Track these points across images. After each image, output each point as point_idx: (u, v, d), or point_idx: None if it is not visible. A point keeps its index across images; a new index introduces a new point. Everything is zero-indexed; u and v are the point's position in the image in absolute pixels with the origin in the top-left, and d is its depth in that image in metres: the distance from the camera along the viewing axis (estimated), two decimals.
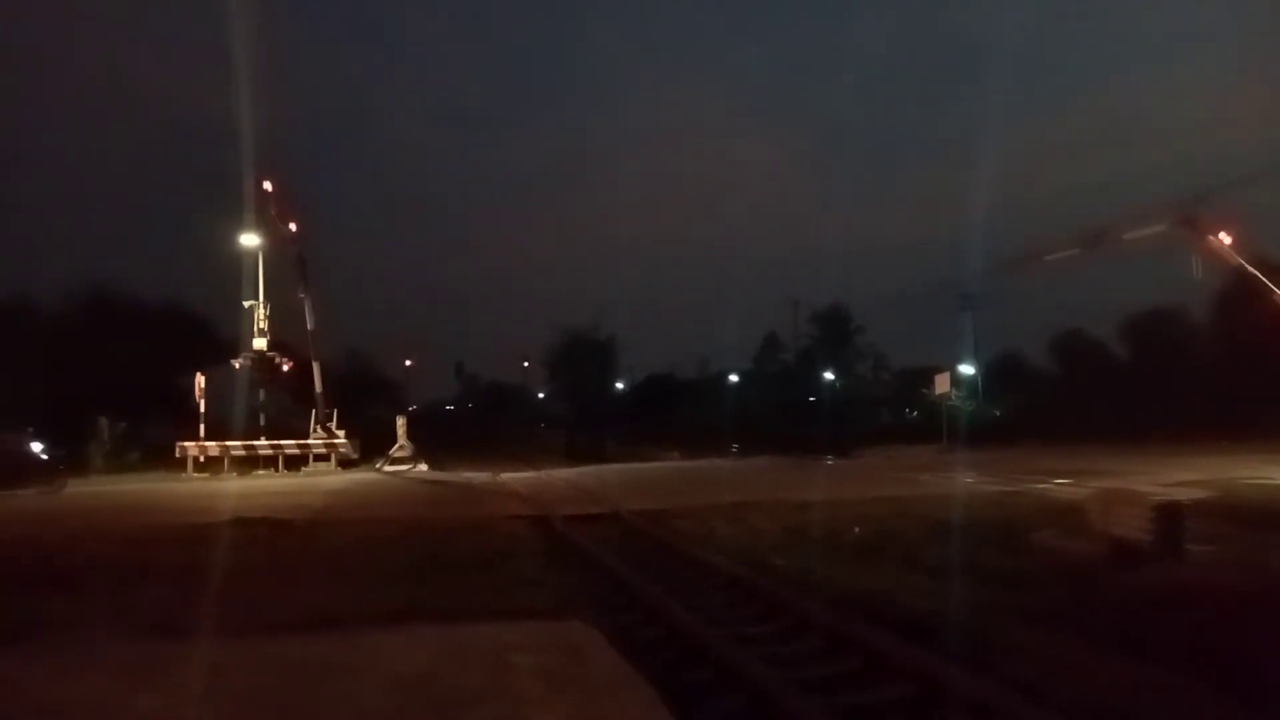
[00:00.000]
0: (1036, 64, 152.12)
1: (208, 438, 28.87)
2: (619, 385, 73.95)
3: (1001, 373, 56.68)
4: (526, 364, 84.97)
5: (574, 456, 36.37)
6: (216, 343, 38.74)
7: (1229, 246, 22.11)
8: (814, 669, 6.06)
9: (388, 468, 30.34)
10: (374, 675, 5.52)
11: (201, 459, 28.30)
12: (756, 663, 5.90)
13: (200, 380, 29.81)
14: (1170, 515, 10.05)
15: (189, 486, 22.87)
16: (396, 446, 31.98)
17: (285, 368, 31.47)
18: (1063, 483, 17.90)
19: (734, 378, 70.08)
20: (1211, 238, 22.27)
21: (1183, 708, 5.35)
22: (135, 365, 35.07)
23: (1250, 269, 21.06)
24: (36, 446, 23.21)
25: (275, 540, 11.69)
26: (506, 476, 25.65)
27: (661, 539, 11.72)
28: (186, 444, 28.30)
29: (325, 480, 24.93)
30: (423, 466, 30.90)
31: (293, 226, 29.22)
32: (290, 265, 30.11)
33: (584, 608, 7.57)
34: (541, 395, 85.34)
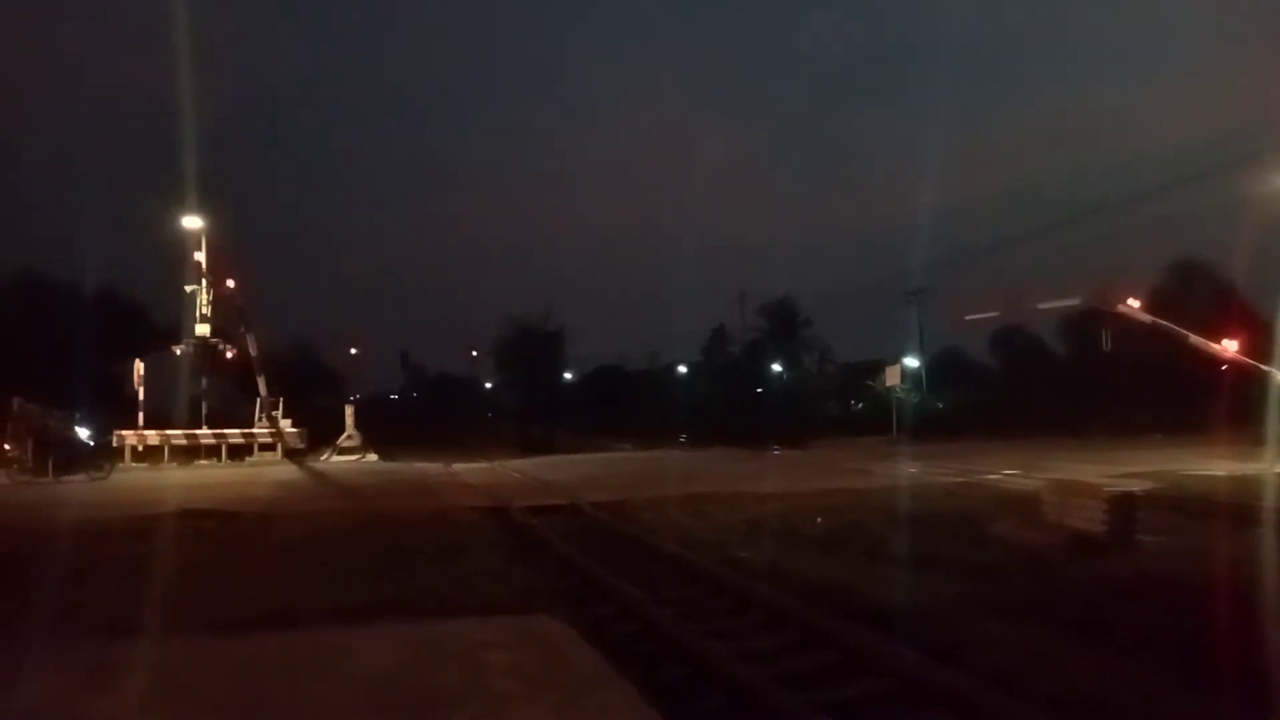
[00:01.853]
0: (991, 61, 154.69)
1: (146, 426, 27.95)
2: (568, 376, 73.68)
3: (944, 367, 57.73)
4: (475, 354, 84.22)
5: (526, 447, 36.05)
6: (154, 329, 37.55)
7: (1138, 309, 23.50)
8: (790, 663, 6.02)
9: (335, 458, 29.73)
10: (343, 675, 5.32)
11: (140, 448, 27.38)
12: (733, 658, 5.85)
13: (139, 367, 28.85)
14: (1123, 506, 10.30)
15: (128, 477, 22.05)
16: (344, 436, 31.31)
17: (229, 355, 30.56)
18: (1012, 474, 18.25)
19: (682, 369, 70.29)
20: (1122, 306, 23.71)
21: (1150, 695, 5.43)
22: (68, 352, 33.78)
23: (1163, 323, 22.29)
24: (84, 432, 22.53)
25: (226, 533, 11.30)
26: (459, 467, 25.32)
27: (625, 532, 11.61)
28: (124, 432, 27.35)
29: (272, 471, 24.30)
30: (372, 456, 30.34)
31: (230, 283, 29.11)
32: (232, 312, 29.87)
33: (554, 603, 7.44)
34: (489, 385, 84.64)
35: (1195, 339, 21.02)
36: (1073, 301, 28.75)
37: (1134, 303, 24.20)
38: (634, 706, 4.86)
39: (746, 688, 5.33)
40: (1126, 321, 24.57)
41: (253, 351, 29.93)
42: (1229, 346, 21.61)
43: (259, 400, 29.75)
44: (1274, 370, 18.43)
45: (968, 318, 36.22)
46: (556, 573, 9.14)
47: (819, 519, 12.24)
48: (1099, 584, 8.22)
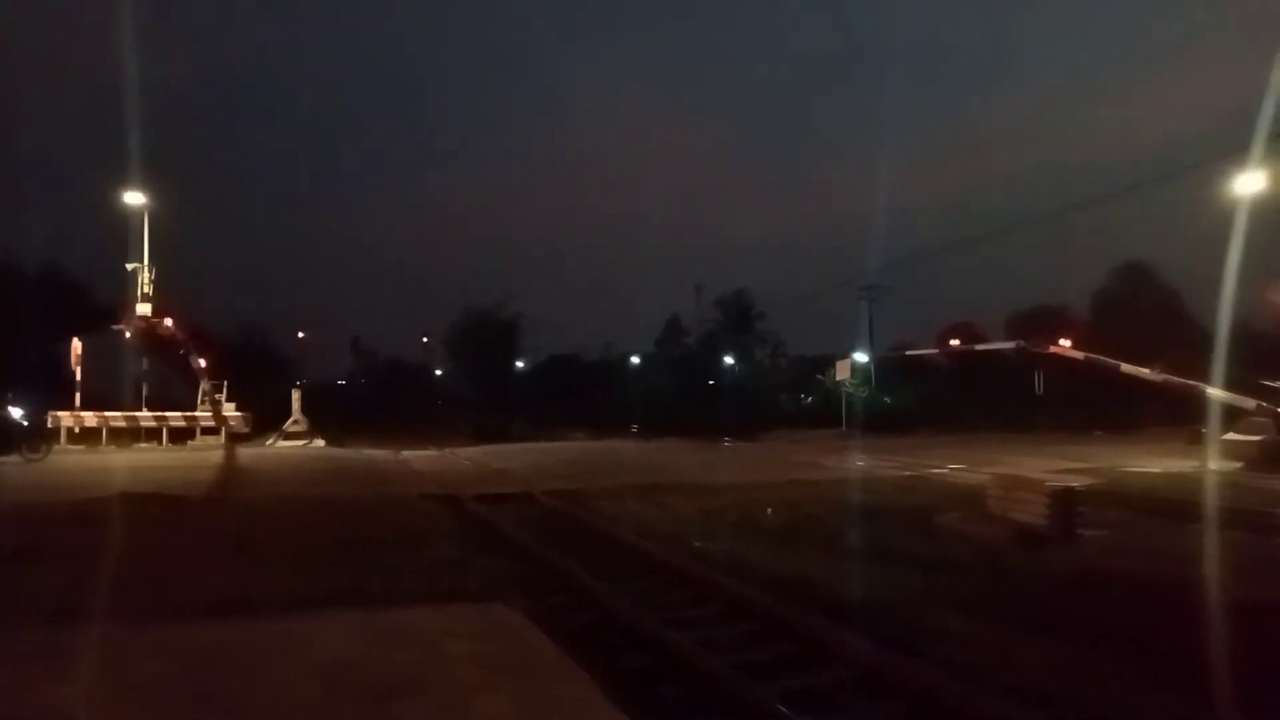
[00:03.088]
0: (953, 59, 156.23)
1: (84, 408, 27.14)
2: (520, 365, 73.32)
3: (895, 362, 58.51)
4: (426, 340, 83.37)
5: (478, 435, 35.76)
6: (96, 308, 36.43)
7: (1070, 348, 24.47)
8: (751, 653, 6.06)
9: (281, 443, 29.21)
10: (299, 663, 5.23)
11: (76, 430, 26.58)
12: (693, 648, 5.87)
13: (76, 346, 27.97)
14: (1066, 501, 10.56)
15: (64, 460, 21.40)
16: (290, 421, 30.82)
17: (164, 332, 29.70)
18: (958, 468, 18.61)
19: (635, 360, 70.37)
20: (1054, 348, 24.68)
21: (1100, 686, 5.58)
22: (5, 330, 32.67)
23: (1095, 356, 23.19)
24: (17, 412, 21.73)
25: (171, 518, 11.02)
26: (409, 454, 25.06)
27: (581, 521, 11.60)
28: (60, 413, 26.52)
29: (215, 455, 23.72)
30: (319, 442, 29.88)
31: (168, 322, 28.49)
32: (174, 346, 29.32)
33: (512, 592, 7.39)
34: (439, 373, 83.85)
35: (1126, 367, 21.85)
36: (1008, 345, 30.58)
37: (1065, 342, 25.29)
38: (595, 695, 4.86)
39: (707, 677, 5.36)
40: (1060, 360, 25.55)
41: (200, 365, 29.35)
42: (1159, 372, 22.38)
43: (200, 385, 29.06)
44: (1205, 386, 19.10)
45: (909, 353, 39.28)
46: (513, 562, 9.09)
47: (770, 510, 12.36)
48: (1044, 577, 8.43)
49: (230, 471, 16.92)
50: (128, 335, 28.32)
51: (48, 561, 8.06)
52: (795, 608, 6.82)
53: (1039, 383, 34.17)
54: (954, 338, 60.20)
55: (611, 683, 5.24)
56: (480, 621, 6.26)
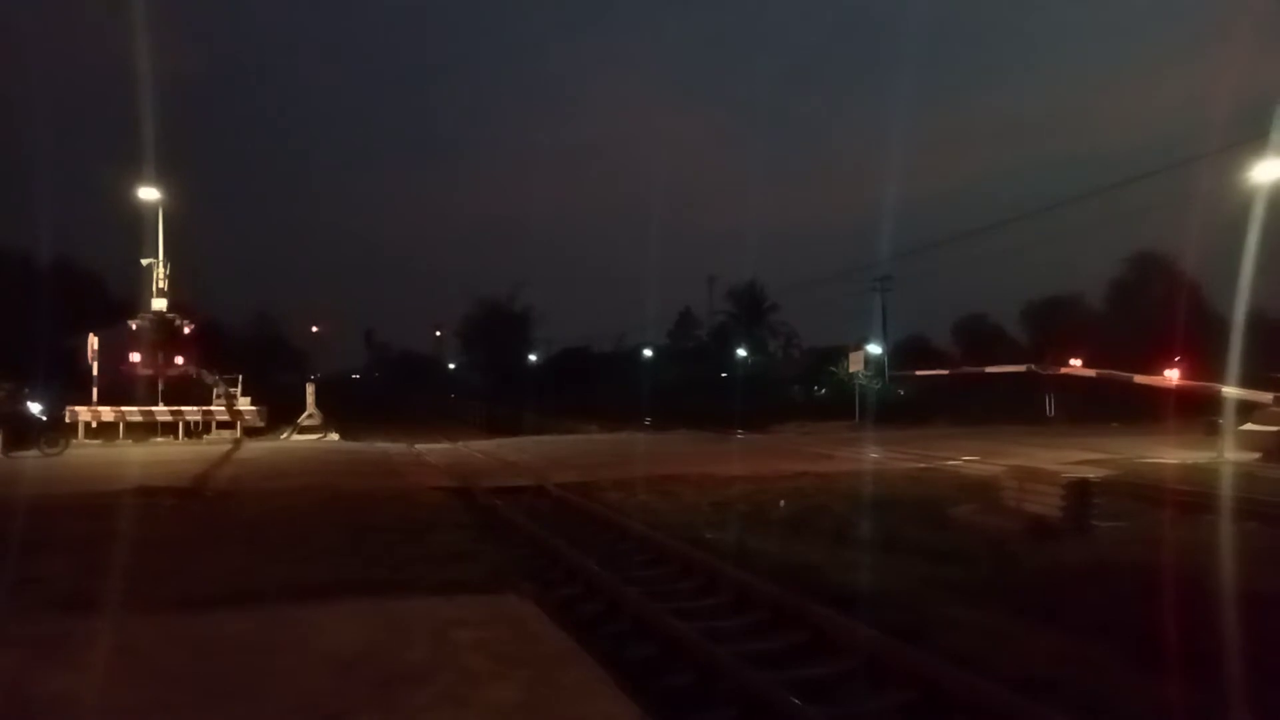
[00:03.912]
0: (960, 50, 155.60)
1: (101, 402, 27.38)
2: (533, 357, 73.51)
3: (908, 353, 58.27)
4: (440, 334, 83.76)
5: (491, 428, 35.87)
6: (110, 302, 36.71)
7: (1081, 366, 24.31)
8: (759, 643, 6.07)
9: (296, 436, 29.38)
10: (308, 652, 5.25)
11: (94, 424, 26.81)
12: (702, 637, 5.87)
13: (93, 341, 28.21)
14: (1080, 492, 10.51)
15: (82, 453, 21.59)
16: (305, 415, 30.98)
17: (186, 330, 29.93)
18: (972, 460, 18.51)
19: (648, 353, 70.42)
20: (1065, 369, 24.55)
21: (1103, 676, 5.55)
22: (21, 324, 32.97)
23: (1107, 372, 23.04)
24: (36, 407, 22.00)
25: (186, 511, 11.13)
26: (422, 447, 25.16)
27: (592, 512, 11.62)
28: (77, 408, 26.75)
29: (230, 449, 23.90)
30: (333, 436, 30.04)
31: (179, 360, 28.63)
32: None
33: (523, 582, 7.40)
34: (453, 366, 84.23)
35: (1139, 378, 21.74)
36: (1019, 369, 30.76)
37: (1076, 361, 25.14)
38: (603, 684, 4.86)
39: (715, 665, 5.36)
40: (1072, 379, 25.42)
41: (214, 379, 29.56)
42: (1171, 376, 22.23)
43: (215, 390, 29.26)
44: (1221, 387, 18.96)
45: (918, 373, 39.77)
46: (524, 552, 9.13)
47: (783, 502, 12.34)
48: (1057, 568, 8.38)
49: (226, 466, 17.02)
50: (134, 327, 28.52)
51: (61, 552, 8.14)
52: (803, 598, 6.81)
53: (1050, 406, 34.55)
54: (967, 330, 60.20)
55: (621, 671, 5.25)
56: (490, 611, 6.27)
